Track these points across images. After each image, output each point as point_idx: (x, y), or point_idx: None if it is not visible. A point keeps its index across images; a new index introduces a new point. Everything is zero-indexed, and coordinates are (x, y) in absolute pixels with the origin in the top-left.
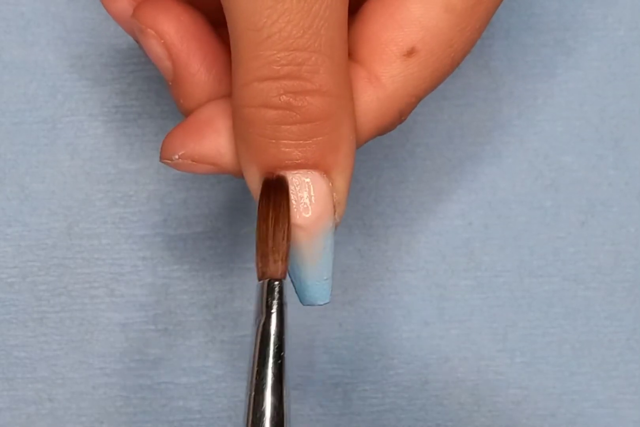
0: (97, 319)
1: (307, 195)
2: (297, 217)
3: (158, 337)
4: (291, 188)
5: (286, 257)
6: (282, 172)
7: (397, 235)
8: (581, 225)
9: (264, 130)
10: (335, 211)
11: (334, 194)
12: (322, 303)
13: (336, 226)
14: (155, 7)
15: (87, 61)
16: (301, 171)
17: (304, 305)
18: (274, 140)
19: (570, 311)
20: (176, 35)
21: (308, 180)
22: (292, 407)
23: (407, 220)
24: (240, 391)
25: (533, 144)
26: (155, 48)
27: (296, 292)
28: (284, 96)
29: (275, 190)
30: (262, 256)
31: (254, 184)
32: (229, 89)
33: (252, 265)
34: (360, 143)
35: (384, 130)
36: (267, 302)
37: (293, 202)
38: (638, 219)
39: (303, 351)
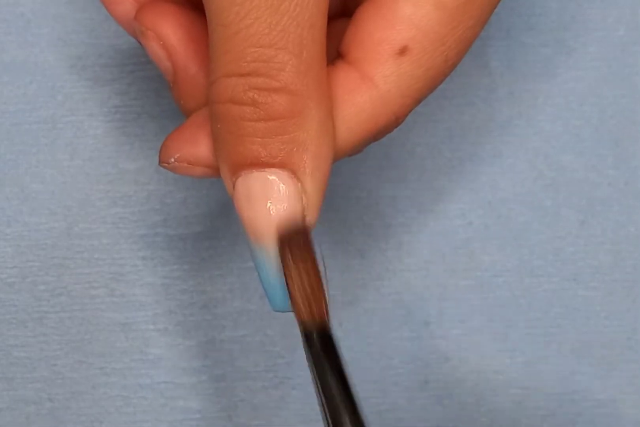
0: (97, 318)
1: (273, 196)
2: (262, 218)
3: (158, 337)
4: (258, 187)
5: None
6: (248, 172)
7: (397, 235)
8: (581, 224)
9: (230, 127)
10: (305, 215)
11: (303, 196)
12: (283, 310)
13: (309, 229)
14: (156, 10)
15: (87, 62)
16: (267, 170)
17: (274, 311)
18: (240, 138)
19: (570, 310)
20: (175, 37)
21: (273, 178)
22: (292, 408)
23: (407, 219)
24: (240, 390)
25: (533, 144)
26: (156, 49)
27: (266, 296)
28: (249, 92)
29: (295, 247)
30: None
31: (228, 186)
32: None
33: (252, 264)
34: (355, 146)
35: (380, 132)
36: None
37: (259, 201)
38: (638, 219)
39: (303, 351)
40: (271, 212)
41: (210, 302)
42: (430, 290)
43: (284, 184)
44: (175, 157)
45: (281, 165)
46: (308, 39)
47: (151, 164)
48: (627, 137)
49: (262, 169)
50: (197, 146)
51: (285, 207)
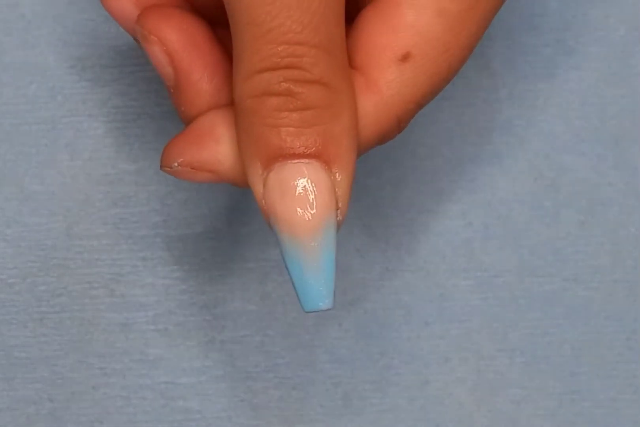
0: (97, 319)
1: (309, 187)
2: (299, 210)
3: (158, 337)
4: (292, 179)
5: None
6: (282, 164)
7: (397, 235)
8: (581, 225)
9: (265, 119)
10: (337, 207)
11: (336, 189)
12: (324, 307)
13: (339, 225)
14: (159, 14)
15: (87, 63)
16: (303, 160)
17: (306, 311)
18: (275, 129)
19: (570, 310)
20: (178, 43)
21: (309, 170)
22: (292, 408)
23: (407, 220)
24: (240, 390)
25: (533, 144)
26: (158, 54)
27: (297, 296)
28: (284, 83)
29: None
30: None
31: (257, 184)
32: (229, 98)
33: (252, 265)
34: (360, 150)
35: (383, 137)
36: None
37: (294, 194)
38: (638, 219)
39: (303, 350)
40: (307, 204)
41: (211, 302)
42: (430, 290)
43: (319, 176)
44: (179, 161)
45: (316, 156)
46: (337, 36)
47: (151, 165)
48: (628, 138)
49: (298, 160)
50: (201, 151)
51: (320, 200)
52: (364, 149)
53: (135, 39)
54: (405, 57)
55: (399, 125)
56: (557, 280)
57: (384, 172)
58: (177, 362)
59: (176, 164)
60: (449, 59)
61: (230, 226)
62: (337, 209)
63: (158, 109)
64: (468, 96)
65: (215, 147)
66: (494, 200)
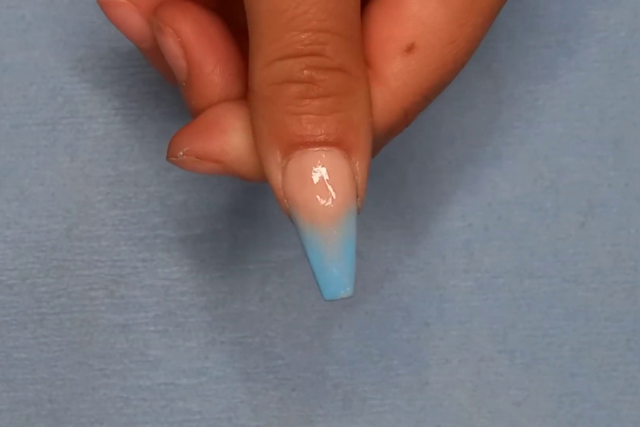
0: (97, 320)
1: (329, 175)
2: (319, 198)
3: (158, 339)
4: (313, 167)
5: None
6: (302, 151)
7: (397, 236)
8: (581, 226)
9: (286, 106)
10: (357, 195)
11: (355, 176)
12: (345, 295)
13: (358, 212)
14: (175, 7)
15: (87, 64)
16: (324, 148)
17: (326, 299)
18: (296, 116)
19: (570, 311)
20: (193, 35)
21: (330, 158)
22: (292, 409)
23: (407, 221)
24: (240, 391)
25: (533, 146)
26: (172, 46)
27: (317, 284)
28: (306, 71)
29: None
30: None
31: (275, 173)
32: (240, 92)
33: (252, 266)
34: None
35: (390, 130)
36: None
37: (315, 182)
38: (638, 220)
39: (303, 352)
40: (328, 192)
41: (211, 303)
42: (430, 291)
43: (339, 164)
44: (185, 150)
45: (336, 144)
46: (357, 24)
47: (151, 166)
48: (628, 139)
49: (318, 148)
50: (208, 141)
51: (342, 188)
52: (372, 143)
53: (137, 46)
54: (410, 48)
55: (407, 117)
56: (557, 281)
57: (384, 173)
58: (177, 363)
59: (181, 153)
60: (454, 50)
61: (230, 227)
62: (357, 198)
63: (158, 110)
64: (468, 97)
65: (222, 137)
66: (494, 202)
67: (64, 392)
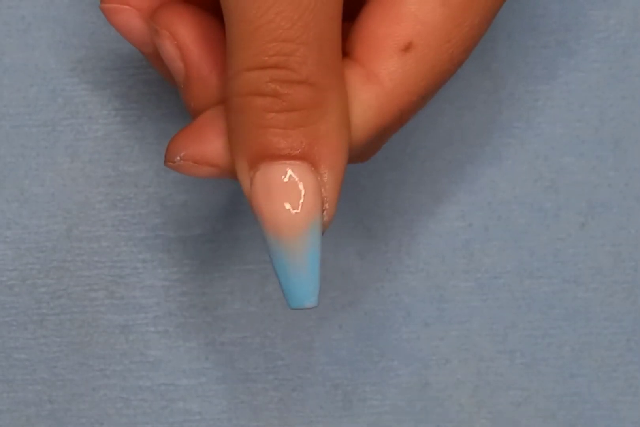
0: (97, 321)
1: (294, 188)
2: (283, 210)
3: (158, 339)
4: (277, 180)
5: None
6: (268, 164)
7: (397, 236)
8: (581, 226)
9: (252, 118)
10: (324, 209)
11: (322, 190)
12: (309, 306)
13: (325, 226)
14: (172, 10)
15: (88, 65)
16: (287, 162)
17: (291, 308)
18: (261, 129)
19: (570, 312)
20: (189, 37)
21: (293, 170)
22: (292, 409)
23: (407, 221)
24: (240, 392)
25: (533, 146)
26: (169, 49)
27: (283, 292)
28: (271, 84)
29: None
30: None
31: (245, 182)
32: None
33: (252, 267)
34: (362, 143)
35: (385, 131)
36: None
37: (279, 194)
38: (638, 221)
39: (303, 352)
40: (292, 205)
41: (211, 304)
42: (430, 291)
43: (304, 177)
44: (181, 155)
45: (302, 158)
46: (328, 33)
47: (151, 167)
48: (628, 139)
49: (283, 162)
50: (204, 145)
51: (305, 201)
52: (365, 142)
53: (139, 50)
54: (407, 47)
55: (402, 117)
56: (557, 281)
57: (384, 173)
58: (177, 364)
59: (178, 158)
60: (451, 49)
61: (230, 228)
62: (324, 210)
63: (158, 111)
64: (468, 97)
65: (217, 140)
66: (494, 202)
67: (64, 393)
